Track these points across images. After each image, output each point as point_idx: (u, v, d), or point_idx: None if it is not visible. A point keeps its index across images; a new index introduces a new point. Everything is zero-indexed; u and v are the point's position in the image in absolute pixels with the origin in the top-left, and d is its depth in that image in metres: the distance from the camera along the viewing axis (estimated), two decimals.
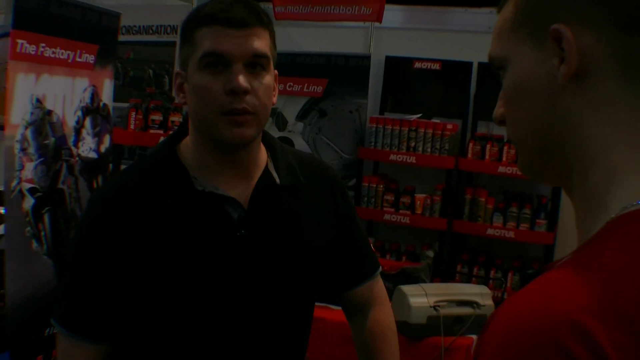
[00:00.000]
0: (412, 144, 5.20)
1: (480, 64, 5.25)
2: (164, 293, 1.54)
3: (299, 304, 1.73)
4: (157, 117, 4.41)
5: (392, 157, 5.23)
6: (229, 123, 1.52)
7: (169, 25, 5.71)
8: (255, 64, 1.55)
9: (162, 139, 4.41)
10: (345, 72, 5.51)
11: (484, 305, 3.35)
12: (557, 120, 0.90)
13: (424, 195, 5.25)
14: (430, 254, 5.11)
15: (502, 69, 0.98)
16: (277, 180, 1.67)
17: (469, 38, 5.33)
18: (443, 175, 5.26)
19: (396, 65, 5.55)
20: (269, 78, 1.58)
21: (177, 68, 1.64)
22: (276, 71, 1.64)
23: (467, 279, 5.02)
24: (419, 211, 5.22)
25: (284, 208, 1.69)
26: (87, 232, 1.61)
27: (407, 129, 5.22)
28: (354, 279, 1.91)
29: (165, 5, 5.70)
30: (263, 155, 1.70)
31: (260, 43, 1.55)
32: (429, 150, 5.17)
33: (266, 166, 1.68)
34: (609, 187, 0.86)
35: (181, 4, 5.58)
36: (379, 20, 4.05)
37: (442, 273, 5.02)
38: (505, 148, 4.97)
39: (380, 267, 1.98)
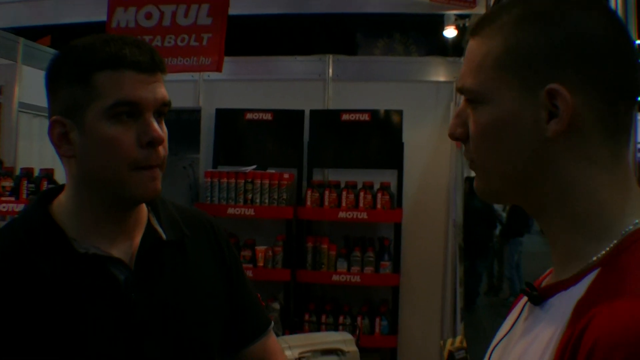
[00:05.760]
0: (249, 196, 5.13)
1: (312, 112, 5.29)
2: None
3: None
4: None
5: (230, 210, 5.12)
6: (143, 178, 1.40)
7: None
8: (161, 112, 1.44)
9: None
10: (176, 127, 5.33)
11: (348, 352, 3.31)
12: (536, 160, 1.00)
13: (264, 247, 5.17)
14: (277, 306, 5.05)
15: (478, 103, 1.03)
16: (163, 236, 1.55)
17: (300, 86, 5.40)
18: (283, 226, 5.22)
19: (227, 118, 5.47)
20: (165, 127, 1.47)
21: (55, 115, 1.42)
22: None
23: (316, 327, 4.96)
24: (260, 264, 5.13)
25: (171, 265, 1.56)
26: None
27: (242, 181, 5.14)
28: (249, 336, 1.78)
29: None
30: (143, 209, 1.57)
31: (164, 89, 1.44)
32: (266, 201, 5.12)
33: (148, 221, 1.56)
34: (603, 215, 0.99)
35: (6, 62, 5.22)
36: (219, 69, 3.97)
37: (291, 324, 4.93)
38: (344, 193, 5.00)
39: (272, 321, 1.87)
